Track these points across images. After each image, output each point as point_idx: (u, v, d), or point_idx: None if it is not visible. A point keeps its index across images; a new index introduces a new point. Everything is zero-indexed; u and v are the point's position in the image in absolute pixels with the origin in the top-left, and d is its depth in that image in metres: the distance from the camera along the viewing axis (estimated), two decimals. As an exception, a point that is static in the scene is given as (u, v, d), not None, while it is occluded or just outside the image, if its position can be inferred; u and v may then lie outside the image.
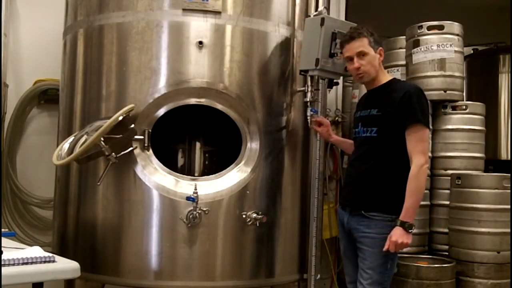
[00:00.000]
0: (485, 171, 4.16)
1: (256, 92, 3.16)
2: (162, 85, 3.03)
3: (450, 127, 4.06)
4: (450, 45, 4.00)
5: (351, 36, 2.76)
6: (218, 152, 3.67)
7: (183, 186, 3.04)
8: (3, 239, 2.46)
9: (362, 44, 2.73)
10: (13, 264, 2.12)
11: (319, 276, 3.25)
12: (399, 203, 2.61)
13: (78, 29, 3.29)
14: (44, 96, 4.11)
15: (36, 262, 2.17)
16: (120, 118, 2.88)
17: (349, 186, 2.87)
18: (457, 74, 4.04)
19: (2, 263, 2.08)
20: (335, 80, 3.29)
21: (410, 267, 3.55)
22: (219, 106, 3.13)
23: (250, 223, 3.05)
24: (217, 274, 3.04)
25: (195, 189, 2.93)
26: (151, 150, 3.07)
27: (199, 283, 3.02)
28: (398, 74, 4.35)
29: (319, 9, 3.29)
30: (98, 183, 2.99)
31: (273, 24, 3.21)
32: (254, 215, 3.05)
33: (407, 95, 2.66)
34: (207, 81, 3.05)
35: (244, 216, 3.05)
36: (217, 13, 3.06)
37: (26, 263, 2.15)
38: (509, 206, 3.64)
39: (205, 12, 3.05)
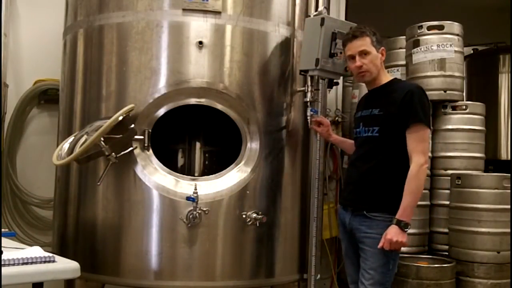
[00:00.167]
0: (485, 171, 4.16)
1: (256, 92, 3.16)
2: (162, 85, 3.03)
3: (450, 127, 4.06)
4: (450, 45, 4.00)
5: (354, 35, 2.76)
6: (218, 152, 3.67)
7: (183, 186, 3.04)
8: (3, 239, 2.46)
9: (365, 43, 2.73)
10: (13, 264, 2.12)
11: (319, 276, 3.25)
12: (400, 203, 2.62)
13: (78, 29, 3.29)
14: (44, 96, 4.10)
15: (36, 262, 2.17)
16: (120, 118, 2.88)
17: (350, 186, 2.87)
18: (457, 74, 4.04)
19: (2, 263, 2.08)
20: (335, 80, 3.29)
21: (410, 267, 3.55)
22: (219, 106, 3.13)
23: (250, 223, 3.05)
24: (217, 274, 3.04)
25: (195, 189, 2.93)
26: (151, 150, 3.07)
27: (199, 283, 3.02)
28: (398, 74, 4.35)
29: (319, 9, 3.29)
30: (98, 183, 2.99)
31: (273, 24, 3.21)
32: (254, 215, 3.05)
33: (409, 94, 2.66)
34: (207, 81, 3.05)
35: (244, 216, 3.05)
36: (217, 13, 3.06)
37: (26, 263, 2.15)
38: (509, 206, 3.64)
39: (205, 12, 3.05)
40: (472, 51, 5.70)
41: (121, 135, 2.92)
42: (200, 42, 3.03)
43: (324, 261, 3.90)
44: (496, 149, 5.41)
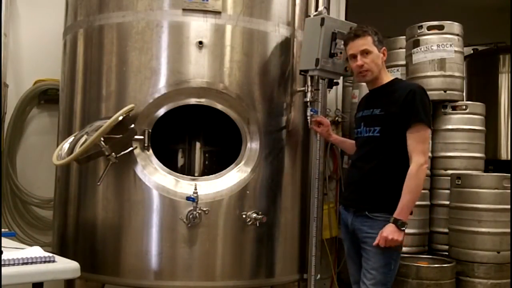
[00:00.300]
0: (485, 171, 4.16)
1: (256, 92, 3.16)
2: (162, 85, 3.03)
3: (450, 127, 4.06)
4: (450, 45, 4.00)
5: (356, 34, 2.76)
6: (218, 152, 3.67)
7: (183, 186, 3.04)
8: (3, 239, 2.46)
9: (366, 42, 2.74)
10: (13, 264, 2.12)
11: (319, 276, 3.25)
12: None
13: (78, 29, 3.29)
14: (44, 96, 4.10)
15: (36, 262, 2.17)
16: (120, 118, 2.88)
17: (351, 186, 2.87)
18: (457, 74, 4.04)
19: (2, 263, 2.08)
20: (335, 80, 3.29)
21: (410, 267, 3.55)
22: (219, 106, 3.13)
23: (250, 223, 3.05)
24: (217, 274, 3.04)
25: (195, 189, 2.93)
26: (151, 150, 3.07)
27: (199, 283, 3.02)
28: (398, 74, 4.35)
29: (319, 9, 3.29)
30: (98, 183, 2.99)
31: (273, 24, 3.21)
32: (254, 215, 3.05)
33: (411, 94, 2.66)
34: (207, 81, 3.05)
35: (244, 216, 3.05)
36: (217, 13, 3.06)
37: (26, 263, 2.15)
38: (509, 206, 3.64)
39: (205, 12, 3.05)
40: (472, 51, 5.70)
41: (121, 135, 2.92)
42: (200, 42, 3.03)
43: (324, 261, 3.90)
44: (496, 149, 5.41)
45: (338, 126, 4.40)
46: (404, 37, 4.29)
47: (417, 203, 2.79)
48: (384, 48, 2.80)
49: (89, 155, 2.88)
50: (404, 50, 4.32)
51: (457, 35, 4.07)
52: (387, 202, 2.67)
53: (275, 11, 3.24)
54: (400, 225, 2.58)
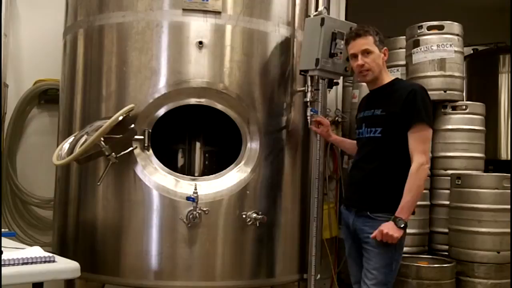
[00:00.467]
0: (485, 171, 4.16)
1: (256, 92, 3.16)
2: (162, 85, 3.03)
3: (450, 127, 4.06)
4: (450, 45, 4.00)
5: (357, 33, 2.77)
6: (218, 152, 3.67)
7: (183, 186, 3.04)
8: (3, 239, 2.46)
9: (368, 42, 2.74)
10: (13, 264, 2.12)
11: (319, 276, 3.25)
12: None
13: (78, 29, 3.29)
14: (44, 96, 4.11)
15: (36, 262, 2.17)
16: (120, 118, 2.88)
17: (353, 187, 2.87)
18: (457, 74, 4.04)
19: (2, 263, 2.08)
20: (335, 80, 3.29)
21: (410, 267, 3.55)
22: (219, 106, 3.13)
23: (250, 223, 3.05)
24: (217, 274, 3.05)
25: (195, 189, 2.93)
26: (151, 150, 3.07)
27: (199, 283, 3.02)
28: (398, 74, 4.34)
29: (319, 9, 3.29)
30: (98, 183, 2.99)
31: (273, 24, 3.21)
32: (254, 215, 3.05)
33: (412, 93, 2.67)
34: (207, 81, 3.05)
35: (244, 216, 3.05)
36: (217, 13, 3.06)
37: (26, 263, 2.15)
38: (509, 206, 3.64)
39: (205, 12, 3.05)
40: (472, 51, 5.70)
41: (121, 135, 2.92)
42: (200, 42, 3.03)
43: (324, 261, 3.90)
44: (496, 149, 5.40)
45: (338, 126, 4.39)
46: (404, 37, 4.28)
47: (417, 203, 2.78)
48: (385, 48, 2.80)
49: (89, 155, 2.88)
50: (404, 50, 4.32)
51: (457, 35, 4.07)
52: (388, 203, 2.67)
53: (275, 11, 3.24)
54: (398, 222, 2.58)
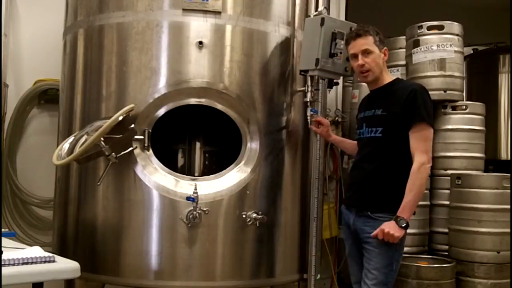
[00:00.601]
0: (485, 171, 4.16)
1: (256, 92, 3.16)
2: (162, 85, 3.03)
3: (450, 127, 4.06)
4: (450, 45, 4.00)
5: (357, 33, 2.77)
6: (218, 152, 3.67)
7: (183, 186, 3.04)
8: (3, 239, 2.46)
9: (368, 42, 2.74)
10: (13, 264, 2.12)
11: (319, 276, 3.25)
12: None
13: (78, 29, 3.29)
14: (44, 96, 4.11)
15: (36, 262, 2.17)
16: (120, 118, 2.88)
17: (354, 186, 2.87)
18: (457, 74, 4.04)
19: (2, 263, 2.08)
20: (335, 80, 3.29)
21: (410, 267, 3.55)
22: (219, 106, 3.13)
23: (250, 223, 3.05)
24: (217, 274, 3.04)
25: (195, 189, 2.93)
26: (151, 150, 3.07)
27: (199, 283, 3.01)
28: (398, 74, 4.34)
29: (319, 9, 3.29)
30: (98, 183, 2.99)
31: (273, 24, 3.21)
32: (254, 215, 3.05)
33: (413, 93, 2.67)
34: (207, 81, 3.05)
35: (244, 216, 3.05)
36: (217, 13, 3.06)
37: (26, 263, 2.15)
38: (509, 206, 3.64)
39: (205, 12, 3.05)
40: (472, 51, 5.69)
41: (121, 135, 2.92)
42: (200, 42, 3.03)
43: (324, 261, 3.90)
44: (496, 149, 5.40)
45: (338, 126, 4.39)
46: (404, 37, 4.28)
47: (419, 201, 2.77)
48: (385, 48, 2.80)
49: (89, 155, 2.88)
50: (404, 50, 4.32)
51: (457, 35, 4.07)
52: (389, 203, 2.67)
53: (275, 11, 3.24)
54: (399, 222, 2.58)
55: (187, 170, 3.61)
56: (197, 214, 2.92)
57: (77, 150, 2.84)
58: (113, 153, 2.89)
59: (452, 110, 4.06)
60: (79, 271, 2.27)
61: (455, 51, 4.01)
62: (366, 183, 2.77)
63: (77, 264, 2.27)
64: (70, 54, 3.37)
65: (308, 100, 3.21)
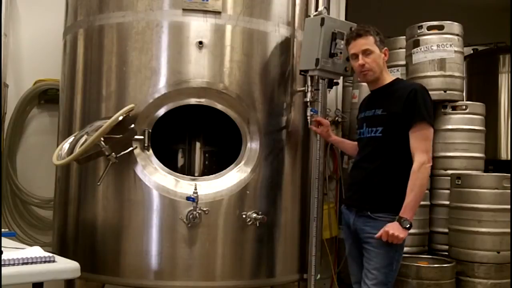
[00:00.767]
0: (485, 171, 4.16)
1: (256, 92, 3.16)
2: (162, 85, 3.03)
3: (450, 127, 4.06)
4: (450, 45, 4.00)
5: (358, 33, 2.77)
6: (218, 152, 3.67)
7: (183, 186, 3.04)
8: (3, 239, 2.46)
9: (368, 42, 2.74)
10: (13, 264, 2.12)
11: (319, 276, 3.25)
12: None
13: (78, 29, 3.29)
14: (44, 96, 4.11)
15: (36, 262, 2.17)
16: (120, 118, 2.88)
17: (355, 186, 2.87)
18: (457, 74, 4.04)
19: (2, 263, 2.08)
20: (335, 80, 3.29)
21: (410, 267, 3.55)
22: (219, 106, 3.13)
23: (250, 223, 3.05)
24: (217, 274, 3.04)
25: (195, 189, 2.93)
26: (151, 150, 3.07)
27: (199, 283, 3.01)
28: (398, 74, 4.35)
29: (319, 9, 3.29)
30: (98, 183, 2.99)
31: (273, 24, 3.21)
32: (254, 215, 3.05)
33: (413, 93, 2.67)
34: (207, 81, 3.05)
35: (244, 216, 3.05)
36: (217, 13, 3.06)
37: (26, 263, 2.15)
38: (509, 206, 3.64)
39: (205, 12, 3.05)
40: (472, 51, 5.69)
41: (121, 135, 2.92)
42: (200, 42, 3.03)
43: (324, 261, 3.90)
44: (496, 149, 5.40)
45: (338, 126, 4.39)
46: (404, 37, 4.28)
47: (420, 201, 2.77)
48: (385, 48, 2.81)
49: (89, 155, 2.88)
50: (404, 50, 4.32)
51: (457, 35, 4.07)
52: (389, 203, 2.67)
53: (275, 11, 3.24)
54: (403, 222, 2.58)
55: (187, 170, 3.61)
56: (197, 214, 2.92)
57: (77, 150, 2.84)
58: (113, 153, 2.89)
59: (452, 110, 4.06)
60: (79, 271, 2.27)
61: (455, 51, 4.01)
62: (366, 183, 2.77)
63: (77, 264, 2.27)
64: (70, 54, 3.37)
65: (308, 100, 3.21)
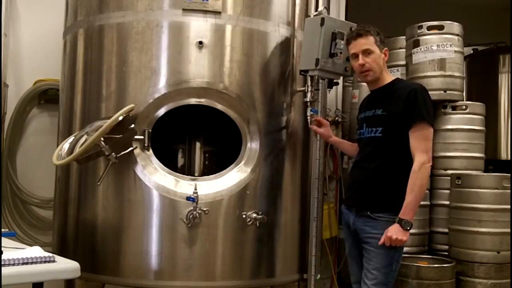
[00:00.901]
0: (485, 171, 4.16)
1: (256, 92, 3.16)
2: (162, 85, 3.03)
3: (450, 127, 4.06)
4: (450, 45, 4.00)
5: (358, 33, 2.77)
6: (218, 152, 3.67)
7: (183, 186, 3.04)
8: (3, 239, 2.46)
9: (369, 42, 2.75)
10: (13, 264, 2.12)
11: (319, 276, 3.25)
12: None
13: (78, 29, 3.29)
14: (44, 96, 4.11)
15: (36, 262, 2.17)
16: (120, 118, 2.88)
17: (355, 186, 2.87)
18: (457, 74, 4.04)
19: (2, 263, 2.08)
20: (335, 80, 3.29)
21: (410, 267, 3.55)
22: (219, 106, 3.13)
23: (250, 223, 3.05)
24: (217, 274, 3.04)
25: (195, 189, 2.93)
26: (151, 150, 3.07)
27: (199, 283, 3.01)
28: (398, 74, 4.35)
29: (319, 9, 3.29)
30: (98, 183, 2.99)
31: (273, 24, 3.21)
32: (254, 215, 3.05)
33: (413, 93, 2.67)
34: (207, 81, 3.05)
35: (244, 216, 3.05)
36: (217, 13, 3.06)
37: (26, 263, 2.15)
38: (509, 206, 3.64)
39: (205, 12, 3.05)
40: (472, 51, 5.69)
41: (121, 135, 2.92)
42: (200, 42, 3.03)
43: (324, 261, 3.90)
44: (496, 149, 5.40)
45: (338, 126, 4.39)
46: (404, 37, 4.28)
47: (420, 201, 2.77)
48: (385, 48, 2.81)
49: (89, 155, 2.88)
50: (404, 50, 4.32)
51: (457, 35, 4.07)
52: (389, 203, 2.68)
53: (275, 11, 3.24)
54: (404, 224, 2.58)
55: (187, 170, 3.61)
56: (197, 214, 2.92)
57: (77, 150, 2.84)
58: (113, 153, 2.89)
59: (452, 110, 4.06)
60: (79, 271, 2.27)
61: (455, 51, 4.01)
62: (366, 183, 2.77)
63: (77, 264, 2.27)
64: (70, 54, 3.37)
65: (308, 100, 3.21)
